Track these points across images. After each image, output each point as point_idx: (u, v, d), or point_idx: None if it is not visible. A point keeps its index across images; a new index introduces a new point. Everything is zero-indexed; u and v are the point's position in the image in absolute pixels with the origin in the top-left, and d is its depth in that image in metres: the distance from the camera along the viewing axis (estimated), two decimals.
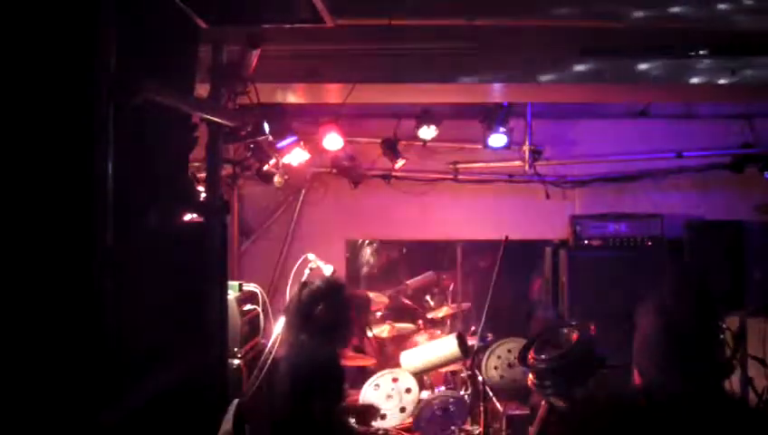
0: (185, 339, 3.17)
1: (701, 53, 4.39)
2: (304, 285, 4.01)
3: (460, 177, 6.62)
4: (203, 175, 3.74)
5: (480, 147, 6.22)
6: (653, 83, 4.66)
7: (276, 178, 5.88)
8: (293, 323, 3.87)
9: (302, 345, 3.79)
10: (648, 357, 4.45)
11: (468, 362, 5.18)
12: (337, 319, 3.92)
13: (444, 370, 5.77)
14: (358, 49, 4.41)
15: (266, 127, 4.55)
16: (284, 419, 3.72)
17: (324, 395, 3.70)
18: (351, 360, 5.62)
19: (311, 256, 5.15)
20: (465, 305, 6.86)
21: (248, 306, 5.21)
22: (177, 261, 3.07)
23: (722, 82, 4.56)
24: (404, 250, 8.13)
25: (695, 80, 4.62)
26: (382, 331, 6.28)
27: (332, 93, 5.09)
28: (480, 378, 5.15)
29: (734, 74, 4.50)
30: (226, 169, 5.73)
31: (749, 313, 5.62)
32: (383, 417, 5.25)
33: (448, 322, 6.61)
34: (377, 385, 5.39)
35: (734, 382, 5.34)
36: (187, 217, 3.32)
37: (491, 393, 5.19)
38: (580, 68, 4.55)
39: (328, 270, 5.12)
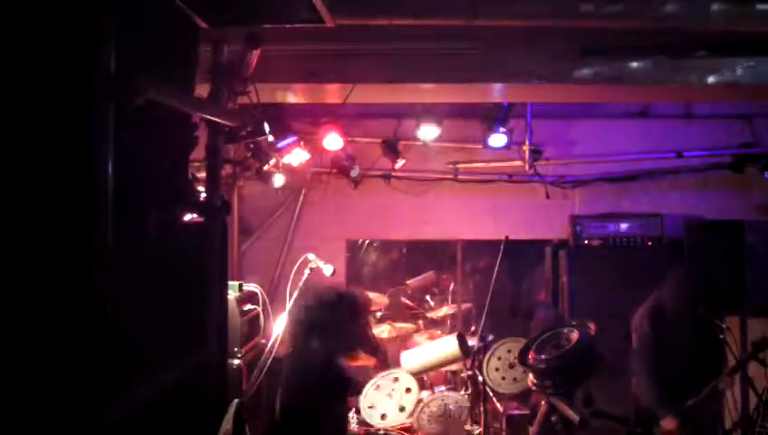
0: (185, 339, 3.17)
1: (701, 53, 4.39)
2: (310, 290, 4.04)
3: (460, 177, 6.62)
4: (203, 175, 3.74)
5: (480, 147, 6.24)
6: (652, 83, 4.65)
7: (278, 178, 5.88)
8: (303, 330, 3.92)
9: (312, 350, 3.84)
10: (644, 358, 4.48)
11: (468, 362, 5.18)
12: (343, 328, 4.01)
13: (444, 370, 5.76)
14: (358, 49, 4.40)
15: (266, 127, 4.55)
16: (290, 418, 3.77)
17: (335, 396, 3.94)
18: (355, 360, 5.61)
19: (311, 256, 5.14)
20: (466, 305, 6.86)
21: (248, 306, 5.22)
22: (176, 261, 3.07)
23: (722, 81, 4.55)
24: (404, 250, 8.13)
25: (694, 79, 4.62)
26: (382, 331, 6.27)
27: (332, 93, 5.09)
28: (480, 378, 5.15)
29: (733, 74, 4.50)
30: (226, 169, 5.73)
31: (749, 313, 5.63)
32: (383, 417, 5.25)
33: (448, 322, 6.61)
34: (377, 385, 5.38)
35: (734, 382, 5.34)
36: (187, 217, 3.32)
37: (491, 393, 5.19)
38: (580, 68, 4.54)
39: (328, 270, 5.11)
